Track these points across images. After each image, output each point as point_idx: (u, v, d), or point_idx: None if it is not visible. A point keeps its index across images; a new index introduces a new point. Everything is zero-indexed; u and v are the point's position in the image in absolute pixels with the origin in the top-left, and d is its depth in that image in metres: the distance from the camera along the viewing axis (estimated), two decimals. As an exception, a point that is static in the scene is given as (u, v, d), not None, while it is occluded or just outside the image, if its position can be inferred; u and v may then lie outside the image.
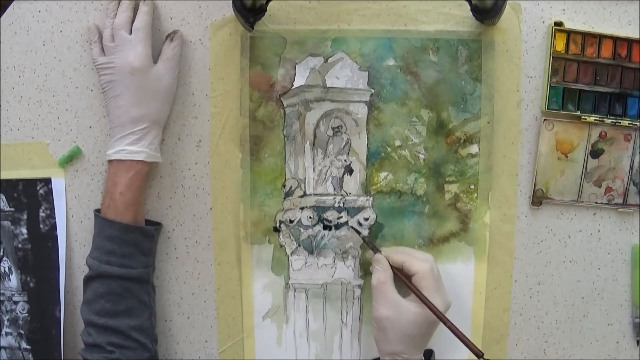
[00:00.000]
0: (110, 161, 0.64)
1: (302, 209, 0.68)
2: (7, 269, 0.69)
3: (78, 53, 0.67)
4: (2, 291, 0.69)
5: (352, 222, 0.68)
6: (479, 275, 0.68)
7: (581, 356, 0.70)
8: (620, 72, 0.66)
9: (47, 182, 0.69)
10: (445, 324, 0.57)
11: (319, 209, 0.68)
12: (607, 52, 0.66)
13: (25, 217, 0.69)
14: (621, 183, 0.68)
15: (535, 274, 0.69)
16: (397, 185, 0.67)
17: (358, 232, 0.67)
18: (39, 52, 0.68)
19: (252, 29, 0.64)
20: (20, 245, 0.69)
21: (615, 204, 0.68)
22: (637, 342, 0.70)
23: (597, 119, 0.66)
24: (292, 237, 0.68)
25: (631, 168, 0.68)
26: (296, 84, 0.67)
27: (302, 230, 0.68)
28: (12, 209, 0.69)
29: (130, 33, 0.63)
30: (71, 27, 0.67)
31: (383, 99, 0.67)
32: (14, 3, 0.68)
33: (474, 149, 0.67)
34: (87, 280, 0.63)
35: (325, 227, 0.68)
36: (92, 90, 0.68)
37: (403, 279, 0.61)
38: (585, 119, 0.66)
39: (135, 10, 0.64)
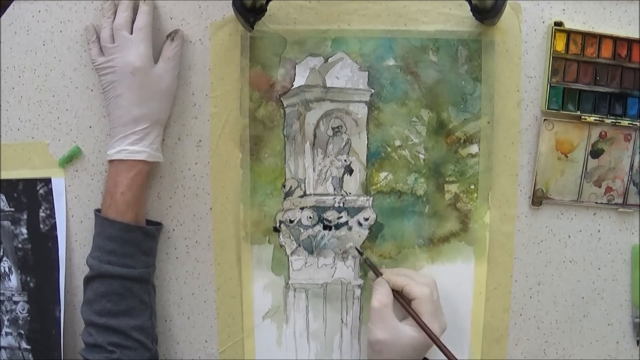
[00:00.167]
0: (111, 161, 0.64)
1: (302, 209, 0.68)
2: (7, 269, 0.69)
3: (78, 53, 0.67)
4: (2, 291, 0.69)
5: (352, 222, 0.68)
6: (479, 275, 0.68)
7: (581, 356, 0.70)
8: (620, 72, 0.66)
9: (47, 182, 0.69)
10: (442, 351, 0.57)
11: (319, 209, 0.68)
12: (607, 52, 0.66)
13: (25, 217, 0.69)
14: (621, 183, 0.68)
15: (535, 274, 0.69)
16: (397, 185, 0.67)
17: (361, 253, 0.67)
18: (39, 52, 0.68)
19: (252, 29, 0.64)
20: (20, 245, 0.69)
21: (615, 204, 0.68)
22: (637, 342, 0.70)
23: (597, 119, 0.66)
24: (292, 237, 0.68)
25: (631, 168, 0.68)
26: (296, 84, 0.67)
27: (302, 230, 0.68)
28: (12, 209, 0.69)
29: (131, 33, 0.63)
30: (71, 27, 0.67)
31: (383, 99, 0.67)
32: (14, 3, 0.68)
33: (474, 149, 0.67)
34: (88, 280, 0.63)
35: (325, 227, 0.68)
36: (92, 90, 0.68)
37: (403, 304, 0.61)
38: (585, 119, 0.66)
39: (135, 9, 0.64)
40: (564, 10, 0.66)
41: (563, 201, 0.68)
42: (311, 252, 0.68)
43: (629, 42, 0.66)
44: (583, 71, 0.66)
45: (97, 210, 0.65)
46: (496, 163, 0.67)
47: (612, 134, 0.67)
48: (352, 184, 0.68)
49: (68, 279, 0.69)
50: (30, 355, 0.69)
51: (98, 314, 0.62)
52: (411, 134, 0.67)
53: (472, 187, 0.67)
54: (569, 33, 0.65)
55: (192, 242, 0.69)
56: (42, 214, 0.69)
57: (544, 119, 0.66)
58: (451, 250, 0.68)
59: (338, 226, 0.68)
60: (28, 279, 0.69)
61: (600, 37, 0.65)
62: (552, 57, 0.65)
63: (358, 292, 0.68)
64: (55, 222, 0.69)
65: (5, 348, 0.70)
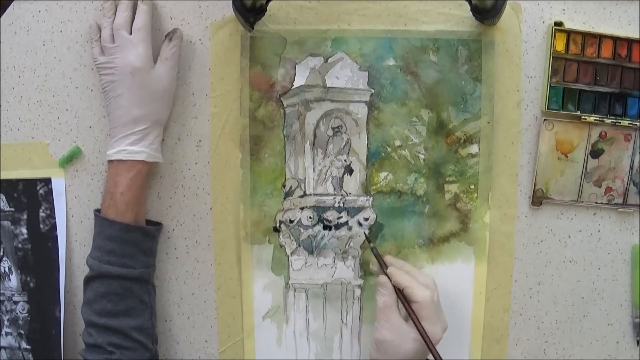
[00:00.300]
0: (110, 161, 0.64)
1: (302, 209, 0.68)
2: (7, 269, 0.69)
3: (78, 53, 0.67)
4: (2, 291, 0.69)
5: (352, 222, 0.68)
6: (479, 275, 0.68)
7: (581, 356, 0.70)
8: (620, 72, 0.66)
9: (47, 182, 0.69)
10: (434, 355, 0.58)
11: (319, 209, 0.68)
12: (607, 52, 0.66)
13: (25, 217, 0.69)
14: (621, 183, 0.68)
15: (535, 274, 0.69)
16: (397, 185, 0.67)
17: (369, 241, 0.67)
18: (39, 52, 0.68)
19: (252, 29, 0.64)
20: (20, 245, 0.69)
21: (615, 204, 0.68)
22: (637, 342, 0.70)
23: (597, 119, 0.66)
24: (292, 237, 0.68)
25: (631, 168, 0.68)
26: (296, 84, 0.67)
27: (302, 230, 0.68)
28: (12, 209, 0.69)
29: (131, 33, 0.63)
30: (71, 27, 0.67)
31: (383, 99, 0.67)
32: (14, 3, 0.68)
33: (474, 149, 0.67)
34: (88, 280, 0.63)
35: (325, 227, 0.68)
36: (92, 90, 0.68)
37: (405, 304, 0.61)
38: (585, 119, 0.66)
39: (134, 10, 0.64)
40: (564, 10, 0.66)
41: (563, 201, 0.68)
42: (311, 252, 0.68)
43: (629, 42, 0.66)
44: (583, 71, 0.66)
45: (97, 210, 0.65)
46: (496, 163, 0.67)
47: (612, 134, 0.67)
48: (352, 184, 0.68)
49: (68, 279, 0.69)
50: (30, 355, 0.69)
51: (98, 314, 0.62)
52: (411, 134, 0.67)
53: (472, 187, 0.67)
54: (569, 33, 0.65)
55: (192, 242, 0.69)
56: (42, 214, 0.69)
57: (544, 119, 0.66)
58: (451, 250, 0.68)
59: (338, 226, 0.68)
60: (28, 279, 0.69)
61: (600, 37, 0.65)
62: (552, 57, 0.65)
63: (358, 292, 0.68)
64: (55, 222, 0.69)
65: (5, 348, 0.70)
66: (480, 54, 0.66)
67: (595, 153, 0.67)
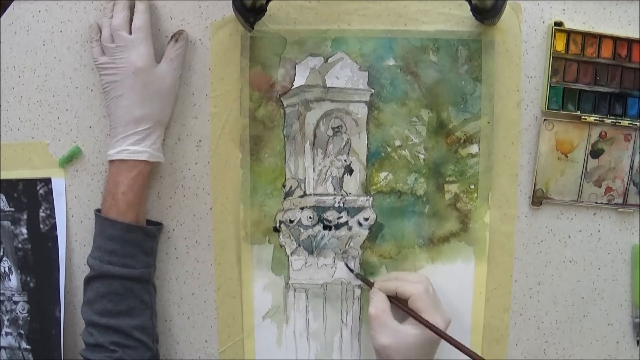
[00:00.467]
0: (111, 161, 0.64)
1: (302, 209, 0.68)
2: (7, 269, 0.69)
3: (78, 53, 0.67)
4: (2, 291, 0.69)
5: (352, 222, 0.68)
6: (479, 275, 0.68)
7: (581, 356, 0.70)
8: (620, 72, 0.66)
9: (47, 182, 0.69)
10: (447, 340, 0.57)
11: (319, 209, 0.68)
12: (607, 52, 0.66)
13: (25, 217, 0.69)
14: (621, 183, 0.68)
15: (535, 274, 0.69)
16: (397, 185, 0.67)
17: (351, 270, 0.67)
18: (39, 52, 0.68)
19: (252, 29, 0.64)
20: (20, 245, 0.69)
21: (615, 204, 0.68)
22: (637, 342, 0.70)
23: (597, 119, 0.66)
24: (292, 237, 0.68)
25: (631, 168, 0.68)
26: (296, 84, 0.67)
27: (302, 230, 0.68)
28: (12, 209, 0.69)
29: (130, 33, 0.63)
30: (71, 27, 0.67)
31: (383, 99, 0.67)
32: (14, 3, 0.68)
33: (474, 149, 0.67)
34: (89, 280, 0.63)
35: (325, 227, 0.68)
36: (92, 90, 0.68)
37: (399, 305, 0.61)
38: (585, 119, 0.66)
39: (132, 9, 0.64)
40: (564, 10, 0.66)
41: (563, 201, 0.68)
42: (311, 252, 0.68)
43: (629, 42, 0.66)
44: (583, 71, 0.66)
45: (97, 210, 0.65)
46: (496, 163, 0.67)
47: (612, 134, 0.67)
48: (352, 184, 0.68)
49: (68, 279, 0.69)
50: (30, 355, 0.69)
51: (99, 314, 0.62)
52: (411, 134, 0.67)
53: (472, 187, 0.67)
54: (569, 33, 0.65)
55: (192, 242, 0.69)
56: (42, 214, 0.69)
57: (544, 119, 0.66)
58: (451, 250, 0.68)
59: (338, 226, 0.68)
60: (28, 279, 0.69)
61: (600, 37, 0.65)
62: (552, 57, 0.65)
63: (358, 292, 0.68)
64: (55, 222, 0.69)
65: (5, 348, 0.70)
66: (480, 54, 0.66)
67: (595, 153, 0.67)
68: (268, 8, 0.63)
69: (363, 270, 0.68)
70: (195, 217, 0.68)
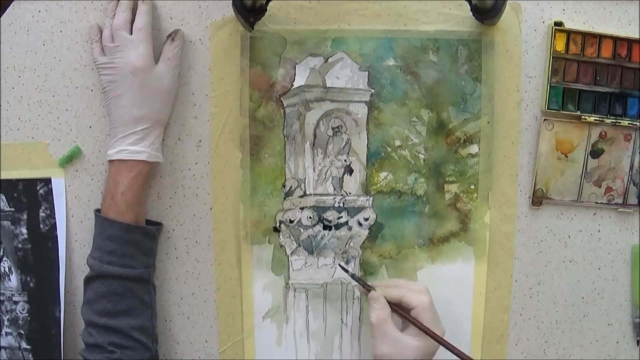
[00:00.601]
0: (111, 161, 0.64)
1: (302, 209, 0.68)
2: (7, 269, 0.69)
3: (78, 53, 0.67)
4: (2, 291, 0.69)
5: (352, 222, 0.68)
6: (479, 275, 0.68)
7: (581, 356, 0.70)
8: (620, 72, 0.66)
9: (47, 182, 0.69)
10: (453, 352, 0.58)
11: (319, 209, 0.68)
12: (607, 52, 0.66)
13: (25, 217, 0.69)
14: (621, 183, 0.68)
15: (535, 274, 0.69)
16: (397, 185, 0.67)
17: (346, 270, 0.66)
18: (39, 52, 0.68)
19: (252, 29, 0.64)
20: (20, 245, 0.69)
21: (615, 204, 0.68)
22: (637, 342, 0.70)
23: (597, 119, 0.66)
24: (292, 237, 0.68)
25: (631, 168, 0.68)
26: (296, 84, 0.67)
27: (302, 230, 0.68)
28: (12, 209, 0.69)
29: (131, 33, 0.63)
30: (71, 27, 0.67)
31: (383, 99, 0.67)
32: (14, 3, 0.68)
33: (474, 149, 0.67)
34: (88, 280, 0.63)
35: (325, 227, 0.68)
36: (92, 90, 0.68)
37: (405, 315, 0.60)
38: (585, 119, 0.66)
39: (134, 10, 0.64)
40: (564, 10, 0.66)
41: (563, 201, 0.68)
42: (311, 252, 0.68)
43: (629, 42, 0.66)
44: (583, 71, 0.66)
45: (97, 210, 0.65)
46: (496, 163, 0.67)
47: (612, 134, 0.67)
48: (352, 184, 0.68)
49: (68, 279, 0.69)
50: (30, 355, 0.69)
51: (98, 314, 0.62)
52: (411, 134, 0.67)
53: (472, 187, 0.67)
54: (569, 33, 0.65)
55: (192, 242, 0.69)
56: (42, 214, 0.69)
57: (544, 119, 0.66)
58: (451, 250, 0.68)
59: (338, 226, 0.68)
60: (28, 279, 0.69)
61: (600, 37, 0.65)
62: (552, 57, 0.65)
63: (358, 292, 0.68)
64: (55, 222, 0.69)
65: (5, 348, 0.70)
66: (480, 54, 0.66)
67: (595, 153, 0.67)
68: (268, 8, 0.63)
69: (363, 271, 0.68)
70: (195, 217, 0.68)
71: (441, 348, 0.59)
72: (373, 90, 0.67)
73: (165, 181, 0.68)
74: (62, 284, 0.68)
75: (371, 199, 0.68)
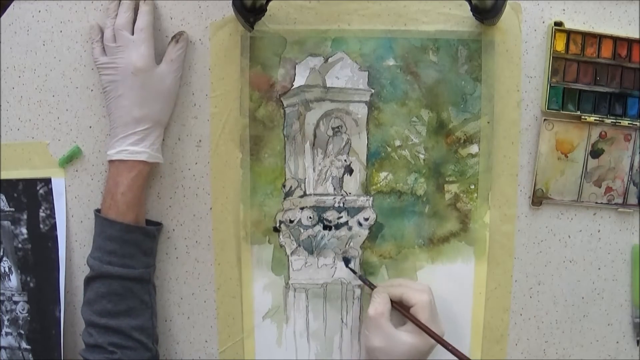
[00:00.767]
0: (111, 161, 0.64)
1: (302, 209, 0.68)
2: (7, 269, 0.69)
3: (78, 53, 0.67)
4: (2, 291, 0.69)
5: (352, 222, 0.68)
6: (479, 275, 0.68)
7: (581, 356, 0.70)
8: (620, 72, 0.66)
9: (47, 182, 0.69)
10: (448, 349, 0.58)
11: (319, 209, 0.68)
12: (607, 52, 0.66)
13: (25, 217, 0.69)
14: (621, 183, 0.68)
15: (535, 274, 0.69)
16: (397, 185, 0.67)
17: (354, 272, 0.67)
18: (39, 52, 0.68)
19: (252, 29, 0.64)
20: (20, 245, 0.69)
21: (615, 204, 0.68)
22: (637, 342, 0.70)
23: (597, 119, 0.66)
24: (292, 237, 0.68)
25: (631, 168, 0.68)
26: (296, 84, 0.67)
27: (302, 230, 0.68)
28: (12, 209, 0.69)
29: (132, 33, 0.63)
30: (71, 27, 0.67)
31: (383, 99, 0.67)
32: (14, 3, 0.68)
33: (474, 149, 0.67)
34: (88, 280, 0.63)
35: (325, 227, 0.68)
36: (92, 90, 0.68)
37: (404, 313, 0.61)
38: (585, 119, 0.66)
39: (135, 10, 0.64)
40: (564, 10, 0.66)
41: (563, 201, 0.68)
42: (311, 252, 0.68)
43: (629, 42, 0.66)
44: (583, 71, 0.66)
45: (97, 211, 0.65)
46: (496, 163, 0.67)
47: (612, 134, 0.67)
48: (352, 184, 0.68)
49: (68, 279, 0.69)
50: (30, 355, 0.69)
51: (98, 314, 0.62)
52: (411, 134, 0.67)
53: (472, 187, 0.67)
54: (569, 33, 0.65)
55: (192, 242, 0.69)
56: (42, 214, 0.69)
57: (544, 119, 0.66)
58: (451, 250, 0.68)
59: (338, 226, 0.68)
60: (28, 279, 0.69)
61: (600, 37, 0.65)
62: (552, 57, 0.65)
63: (358, 292, 0.68)
64: (55, 222, 0.69)
65: (5, 348, 0.70)
66: (480, 54, 0.66)
67: (595, 153, 0.67)
68: (268, 8, 0.63)
69: (363, 270, 0.68)
70: (195, 217, 0.68)
71: (438, 349, 0.60)
72: (373, 90, 0.67)
73: (165, 181, 0.68)
74: (62, 284, 0.68)
75: (371, 199, 0.68)
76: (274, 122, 0.67)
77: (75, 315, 0.68)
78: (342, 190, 0.68)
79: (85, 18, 0.67)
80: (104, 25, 0.65)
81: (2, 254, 0.69)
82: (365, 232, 0.68)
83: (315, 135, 0.67)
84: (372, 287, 0.65)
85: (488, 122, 0.67)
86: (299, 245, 0.68)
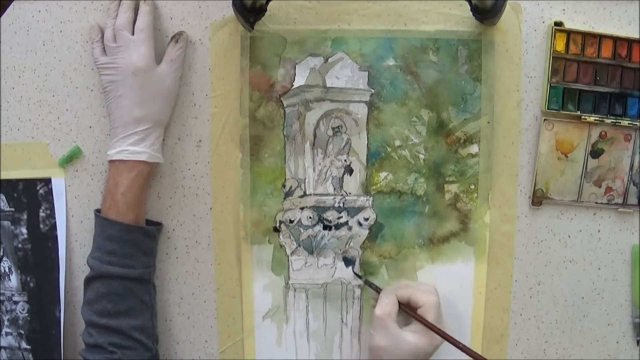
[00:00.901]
0: (111, 161, 0.64)
1: (302, 209, 0.68)
2: (7, 269, 0.69)
3: (78, 53, 0.68)
4: (2, 291, 0.69)
5: (352, 222, 0.68)
6: (479, 275, 0.68)
7: (581, 356, 0.70)
8: (620, 72, 0.66)
9: (47, 182, 0.69)
10: (458, 347, 0.58)
11: (319, 209, 0.68)
12: (607, 52, 0.66)
13: (25, 217, 0.69)
14: (621, 183, 0.68)
15: (535, 274, 0.69)
16: (397, 185, 0.67)
17: (360, 276, 0.67)
18: (39, 52, 0.68)
19: (252, 29, 0.64)
20: (20, 245, 0.69)
21: (615, 204, 0.68)
22: (637, 342, 0.70)
23: (597, 119, 0.66)
24: (292, 237, 0.68)
25: (631, 168, 0.68)
26: (296, 84, 0.67)
27: (302, 230, 0.68)
28: (12, 209, 0.69)
29: (133, 33, 0.63)
30: (71, 27, 0.67)
31: (383, 99, 0.67)
32: (14, 3, 0.68)
33: (474, 149, 0.67)
34: (88, 280, 0.63)
35: (325, 227, 0.68)
36: (92, 90, 0.68)
37: (412, 314, 0.61)
38: (585, 119, 0.66)
39: (136, 10, 0.64)
40: (564, 10, 0.66)
41: (563, 201, 0.68)
42: (311, 252, 0.68)
43: (629, 42, 0.66)
44: (583, 71, 0.66)
45: (97, 211, 0.65)
46: (496, 163, 0.67)
47: (612, 134, 0.67)
48: (352, 184, 0.68)
49: (68, 279, 0.69)
50: (30, 355, 0.69)
51: (98, 314, 0.62)
52: (411, 134, 0.67)
53: (472, 187, 0.67)
54: (569, 33, 0.65)
55: (192, 242, 0.69)
56: (42, 214, 0.69)
57: (544, 119, 0.66)
58: (451, 250, 0.68)
59: (338, 226, 0.68)
60: (28, 279, 0.69)
61: (600, 37, 0.65)
62: (552, 57, 0.65)
63: (358, 292, 0.68)
64: (55, 222, 0.69)
65: (5, 348, 0.70)
66: (480, 54, 0.66)
67: (595, 153, 0.67)
68: (268, 8, 0.63)
69: (363, 271, 0.68)
70: (195, 217, 0.68)
71: (440, 349, 0.60)
72: (373, 90, 0.67)
73: (165, 181, 0.68)
74: (62, 284, 0.68)
75: (371, 199, 0.68)
76: (274, 122, 0.67)
77: (75, 315, 0.68)
78: (342, 190, 0.68)
79: (85, 18, 0.67)
80: (104, 25, 0.65)
81: (2, 254, 0.69)
82: (365, 232, 0.68)
83: (315, 135, 0.67)
84: (378, 290, 0.65)
85: (488, 122, 0.67)
86: (299, 245, 0.68)
